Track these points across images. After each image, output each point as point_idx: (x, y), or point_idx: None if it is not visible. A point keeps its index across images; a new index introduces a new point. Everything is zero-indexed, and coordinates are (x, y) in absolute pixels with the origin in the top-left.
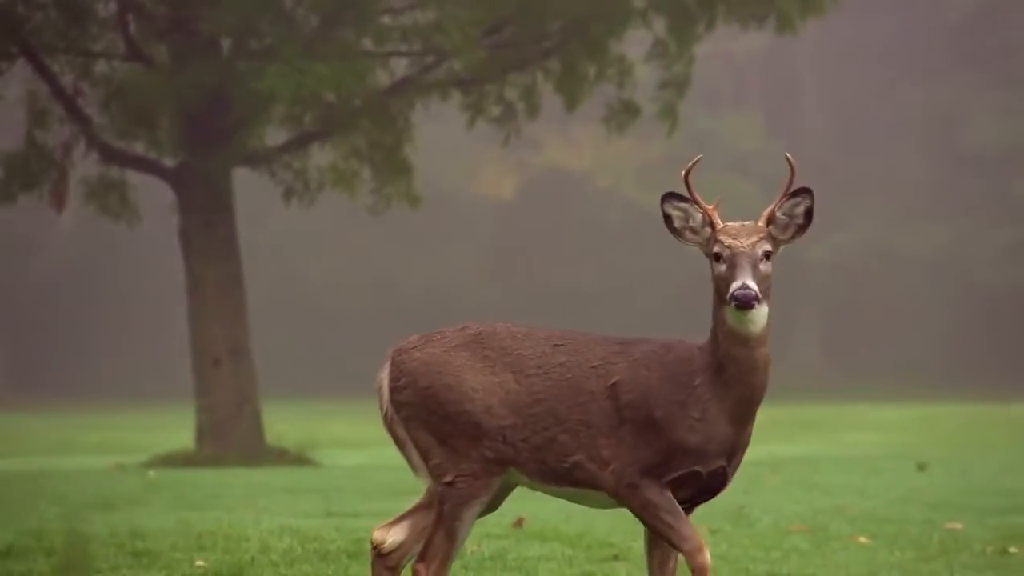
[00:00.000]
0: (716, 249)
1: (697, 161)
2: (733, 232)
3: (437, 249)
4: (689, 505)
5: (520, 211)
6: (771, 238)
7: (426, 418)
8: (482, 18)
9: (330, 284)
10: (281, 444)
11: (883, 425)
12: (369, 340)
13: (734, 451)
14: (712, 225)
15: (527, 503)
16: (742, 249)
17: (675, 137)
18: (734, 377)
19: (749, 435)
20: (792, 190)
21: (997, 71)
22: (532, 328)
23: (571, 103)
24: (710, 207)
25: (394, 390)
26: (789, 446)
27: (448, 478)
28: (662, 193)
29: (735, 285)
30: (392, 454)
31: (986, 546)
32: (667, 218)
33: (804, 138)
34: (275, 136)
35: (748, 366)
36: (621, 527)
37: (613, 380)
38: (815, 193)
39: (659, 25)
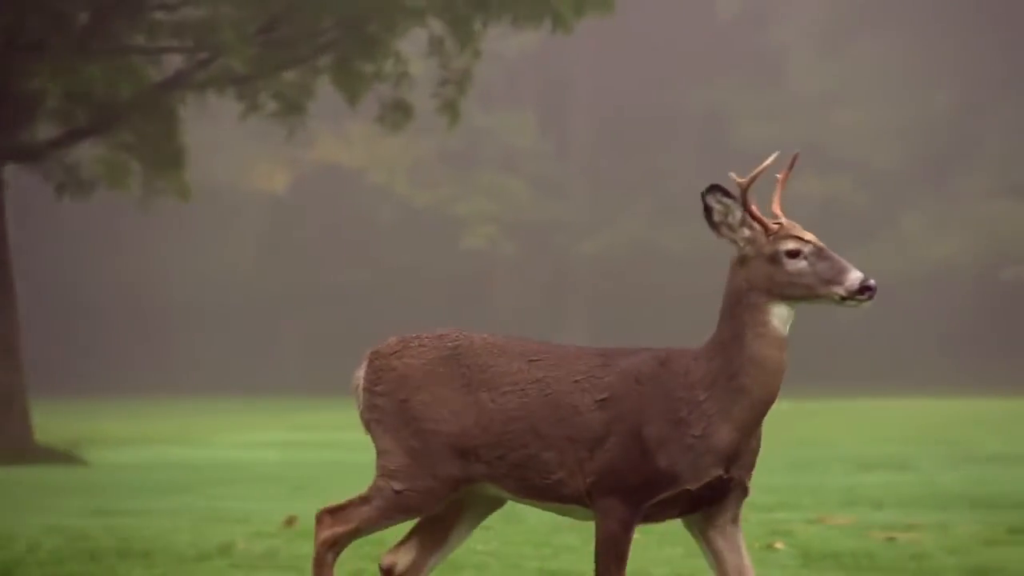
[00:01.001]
0: (791, 246)
1: (765, 166)
2: (798, 228)
3: (209, 244)
4: (692, 510)
5: (293, 206)
6: None
7: (397, 428)
8: (255, 15)
9: (102, 281)
10: (50, 443)
11: None
12: (142, 337)
13: (734, 457)
14: (762, 223)
15: (297, 502)
16: (822, 244)
17: (448, 135)
18: (756, 381)
19: (758, 439)
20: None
21: (763, 72)
22: (508, 340)
23: (351, 99)
24: (754, 207)
25: (369, 392)
26: None
27: (399, 487)
28: (707, 185)
29: (856, 275)
30: (161, 452)
31: (753, 542)
32: (707, 209)
33: (575, 137)
34: (46, 131)
35: (774, 368)
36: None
37: (602, 396)
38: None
39: (435, 24)
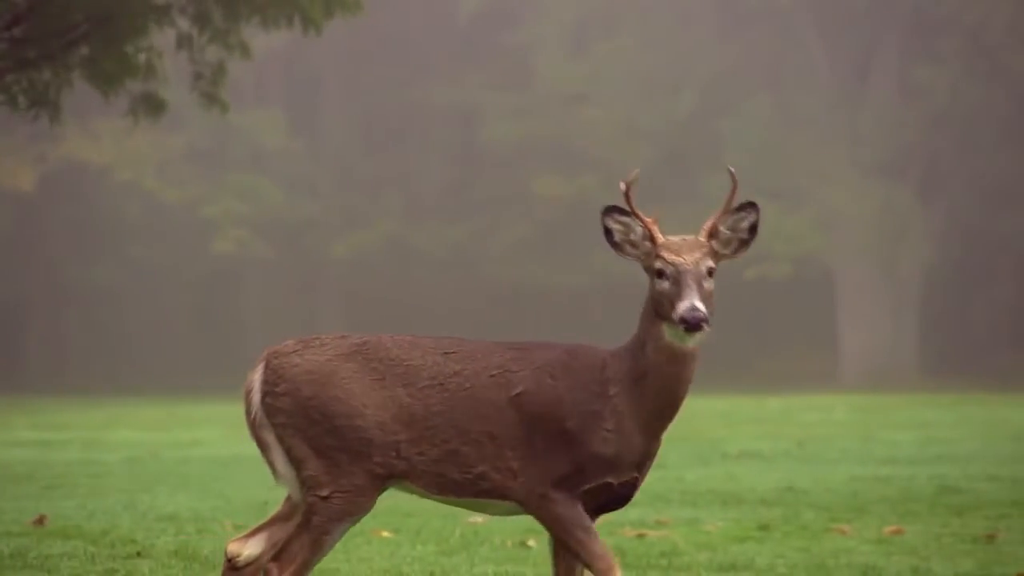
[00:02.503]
0: (659, 265)
1: (637, 174)
2: (675, 247)
3: None
4: (595, 515)
5: (39, 204)
6: (713, 253)
7: (305, 428)
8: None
9: None
10: None
11: None
12: None
13: (644, 461)
14: (653, 239)
15: (47, 502)
16: (687, 267)
17: (195, 132)
18: (657, 390)
19: (659, 445)
20: (737, 204)
21: (510, 71)
22: (416, 337)
23: (104, 93)
24: (650, 220)
25: (269, 394)
26: None
27: (324, 492)
28: (602, 207)
29: (684, 306)
30: None
31: (506, 539)
32: (607, 232)
33: (325, 136)
34: None
35: (675, 381)
36: (143, 525)
37: (517, 390)
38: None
39: (184, 23)
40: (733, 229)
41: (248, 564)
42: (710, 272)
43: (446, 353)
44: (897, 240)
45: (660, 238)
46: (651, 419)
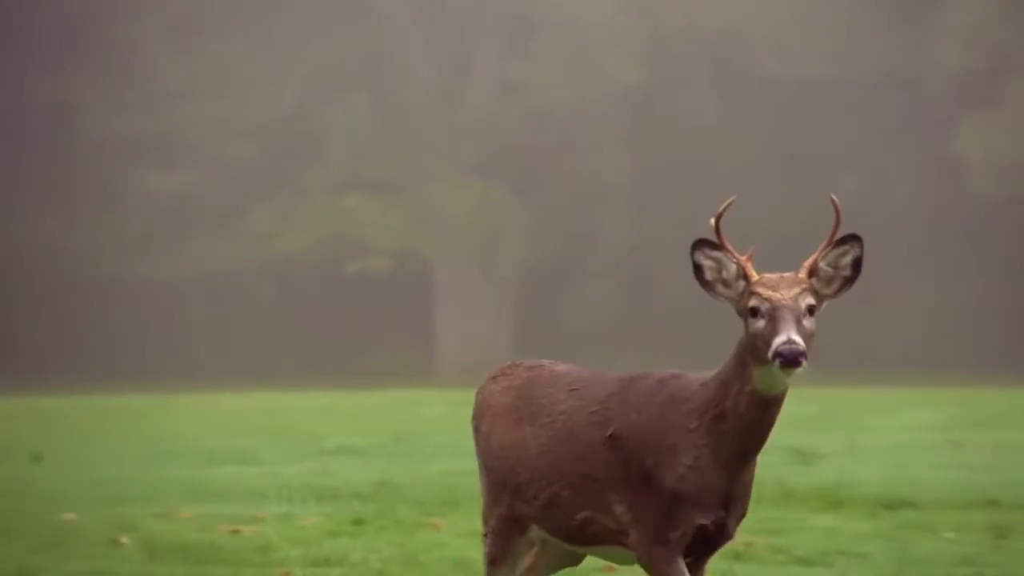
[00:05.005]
0: (753, 303)
1: (731, 203)
2: (772, 284)
3: None
4: (696, 560)
5: None
6: (814, 291)
7: (479, 462)
8: None
9: None
10: None
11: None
12: None
13: (731, 500)
14: (747, 276)
15: None
16: (784, 302)
17: None
18: (739, 432)
19: (746, 484)
20: (839, 237)
21: (113, 65)
22: (569, 368)
23: None
24: (744, 257)
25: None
26: None
27: (484, 529)
28: (693, 240)
29: (779, 340)
30: None
31: (99, 536)
32: (698, 268)
33: None
34: None
35: (757, 425)
36: None
37: (611, 430)
38: None
39: None
40: (835, 266)
41: None
42: (811, 310)
43: (572, 389)
44: (494, 236)
45: (754, 275)
46: (732, 459)
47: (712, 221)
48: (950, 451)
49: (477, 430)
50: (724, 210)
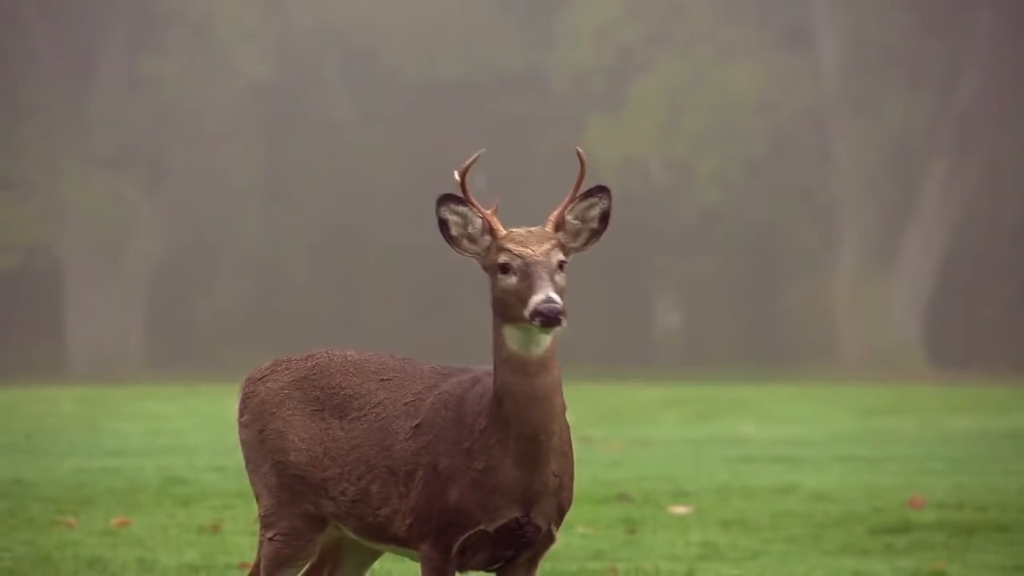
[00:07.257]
0: (504, 259)
1: (476, 158)
2: (521, 239)
3: None
4: (493, 563)
5: None
6: (562, 246)
7: (259, 464)
8: None
9: None
10: None
11: None
12: None
13: (533, 498)
14: (493, 232)
15: None
16: (537, 258)
17: None
18: (512, 412)
19: (556, 478)
20: (585, 190)
21: None
22: (369, 356)
23: None
24: (489, 211)
25: (240, 425)
26: None
27: (269, 533)
28: (437, 196)
29: (537, 299)
30: None
31: None
32: (443, 224)
33: None
34: None
35: (525, 397)
36: None
37: (417, 421)
38: None
39: None
40: (582, 219)
41: None
42: (561, 266)
43: (382, 380)
44: (124, 232)
45: (502, 230)
46: (519, 448)
47: (457, 175)
48: (580, 447)
49: (261, 431)
50: (471, 164)
